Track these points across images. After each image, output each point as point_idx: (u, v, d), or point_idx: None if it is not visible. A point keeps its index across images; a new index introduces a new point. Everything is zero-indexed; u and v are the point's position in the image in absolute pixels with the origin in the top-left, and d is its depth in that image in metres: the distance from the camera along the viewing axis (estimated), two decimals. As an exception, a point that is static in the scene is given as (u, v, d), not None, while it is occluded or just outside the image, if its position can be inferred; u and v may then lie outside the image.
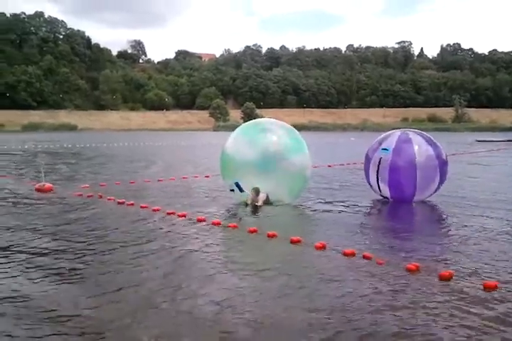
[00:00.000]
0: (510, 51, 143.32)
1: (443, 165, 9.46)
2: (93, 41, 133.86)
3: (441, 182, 9.57)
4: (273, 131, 9.31)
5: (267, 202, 9.06)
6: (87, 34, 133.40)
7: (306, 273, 5.20)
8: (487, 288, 4.58)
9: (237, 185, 8.95)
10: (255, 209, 8.79)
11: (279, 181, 8.93)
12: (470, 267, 5.27)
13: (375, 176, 9.63)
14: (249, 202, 9.02)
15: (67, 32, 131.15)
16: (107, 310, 4.16)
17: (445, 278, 4.86)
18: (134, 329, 3.79)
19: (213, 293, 4.51)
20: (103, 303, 4.29)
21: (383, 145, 9.62)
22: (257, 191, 8.89)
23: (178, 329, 3.79)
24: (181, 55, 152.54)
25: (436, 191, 9.73)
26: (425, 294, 4.50)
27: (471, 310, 4.10)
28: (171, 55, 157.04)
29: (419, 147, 9.34)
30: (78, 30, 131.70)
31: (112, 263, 5.50)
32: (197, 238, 6.67)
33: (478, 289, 4.59)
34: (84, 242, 6.42)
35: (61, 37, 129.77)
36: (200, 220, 7.69)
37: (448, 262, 5.51)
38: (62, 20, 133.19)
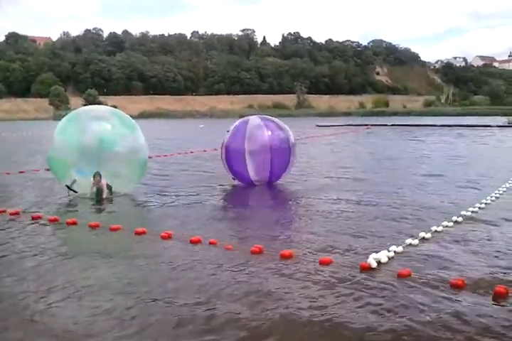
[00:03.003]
0: (344, 41, 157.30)
1: (293, 147, 10.07)
2: None
3: (292, 164, 10.21)
4: (101, 118, 8.77)
5: (109, 189, 8.56)
6: None
7: (153, 261, 5.09)
8: (322, 264, 4.90)
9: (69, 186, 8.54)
10: (101, 196, 8.34)
11: (113, 170, 8.47)
12: (312, 246, 5.61)
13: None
14: (94, 189, 8.39)
15: None
16: None
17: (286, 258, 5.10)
18: None
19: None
20: None
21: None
22: (99, 175, 8.23)
23: None
24: (12, 38, 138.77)
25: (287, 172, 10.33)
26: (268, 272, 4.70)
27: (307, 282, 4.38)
28: (0, 39, 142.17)
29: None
30: None
31: None
32: (31, 236, 6.18)
33: (314, 265, 4.89)
34: None
35: None
36: (35, 218, 7.10)
37: (290, 243, 5.81)
38: None
